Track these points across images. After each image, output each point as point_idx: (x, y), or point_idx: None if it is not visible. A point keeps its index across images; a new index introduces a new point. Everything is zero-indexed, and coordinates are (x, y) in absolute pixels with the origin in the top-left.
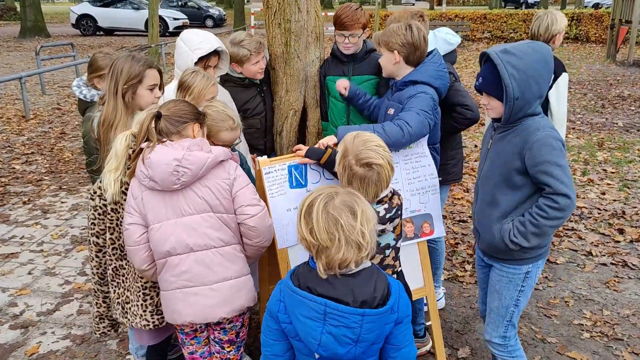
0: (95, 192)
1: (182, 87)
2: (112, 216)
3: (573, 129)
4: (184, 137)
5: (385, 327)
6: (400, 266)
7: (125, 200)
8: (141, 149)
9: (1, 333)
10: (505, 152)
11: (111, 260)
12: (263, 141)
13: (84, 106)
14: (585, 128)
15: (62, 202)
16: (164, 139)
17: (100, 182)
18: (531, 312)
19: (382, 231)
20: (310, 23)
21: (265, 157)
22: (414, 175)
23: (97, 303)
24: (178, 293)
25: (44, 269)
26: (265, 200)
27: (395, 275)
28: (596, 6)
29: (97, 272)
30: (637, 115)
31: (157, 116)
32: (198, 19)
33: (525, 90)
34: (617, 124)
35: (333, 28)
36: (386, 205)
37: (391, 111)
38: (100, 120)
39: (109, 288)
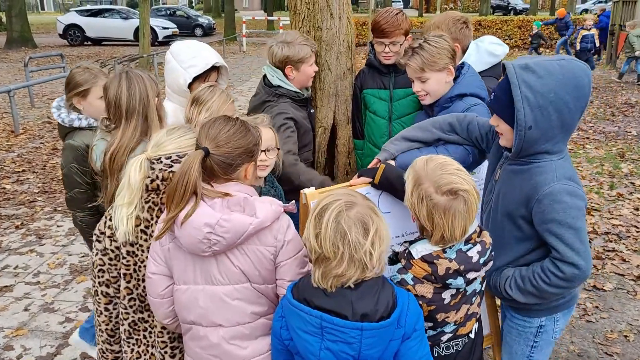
0: (103, 233)
1: (198, 102)
2: (128, 260)
3: (587, 138)
4: (233, 181)
5: (391, 343)
6: (480, 312)
7: (143, 240)
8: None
9: None
10: (513, 194)
11: (127, 313)
12: None
13: (64, 131)
14: (600, 137)
15: (57, 226)
16: (210, 180)
17: (109, 219)
18: (589, 349)
19: (474, 279)
20: (342, 31)
21: (312, 188)
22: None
23: None
24: None
25: (42, 304)
26: None
27: (477, 324)
28: (585, 12)
29: (107, 329)
30: None
31: (205, 154)
32: (187, 28)
33: (541, 119)
34: (630, 132)
35: None
36: (479, 248)
37: None
38: (114, 147)
39: (120, 347)
